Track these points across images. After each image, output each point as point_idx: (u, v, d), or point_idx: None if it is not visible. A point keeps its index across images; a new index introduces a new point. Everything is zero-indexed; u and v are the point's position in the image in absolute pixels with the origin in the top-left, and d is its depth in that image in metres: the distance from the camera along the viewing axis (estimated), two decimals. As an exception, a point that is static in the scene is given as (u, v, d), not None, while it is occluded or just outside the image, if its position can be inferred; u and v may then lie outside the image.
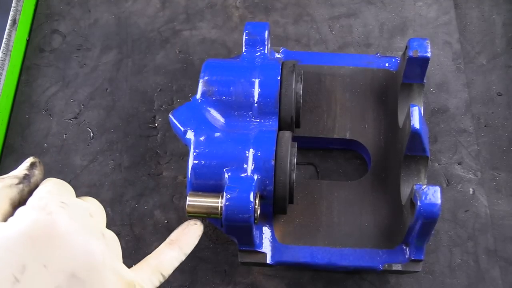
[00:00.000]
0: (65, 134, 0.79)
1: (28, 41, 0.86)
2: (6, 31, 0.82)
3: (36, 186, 0.48)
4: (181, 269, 0.70)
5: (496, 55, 0.83)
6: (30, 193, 0.47)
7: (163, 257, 0.52)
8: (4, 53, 0.81)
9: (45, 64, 0.84)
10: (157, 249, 0.53)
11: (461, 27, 0.85)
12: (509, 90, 0.80)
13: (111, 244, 0.46)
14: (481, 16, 0.85)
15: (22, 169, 0.49)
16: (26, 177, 0.48)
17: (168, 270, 0.52)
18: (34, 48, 0.85)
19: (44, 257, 0.42)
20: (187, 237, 0.56)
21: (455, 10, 0.85)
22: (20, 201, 0.47)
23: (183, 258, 0.54)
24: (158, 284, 0.50)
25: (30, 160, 0.50)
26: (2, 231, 0.42)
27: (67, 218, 0.44)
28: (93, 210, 0.48)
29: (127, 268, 0.47)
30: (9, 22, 0.83)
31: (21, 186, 0.47)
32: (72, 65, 0.84)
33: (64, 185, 0.48)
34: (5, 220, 0.44)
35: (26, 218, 0.43)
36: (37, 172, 0.49)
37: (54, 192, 0.46)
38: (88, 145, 0.78)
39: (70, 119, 0.80)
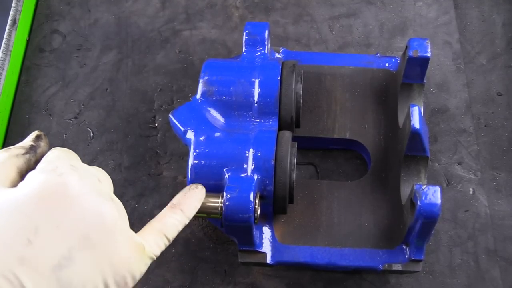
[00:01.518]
0: (65, 134, 0.79)
1: (28, 41, 0.86)
2: (6, 31, 0.82)
3: (42, 157, 0.48)
4: (181, 269, 0.70)
5: (496, 55, 0.83)
6: (36, 163, 0.48)
7: (167, 220, 0.52)
8: (4, 53, 0.80)
9: (45, 64, 0.84)
10: (160, 213, 0.53)
11: (461, 27, 0.85)
12: (509, 90, 0.80)
13: (120, 209, 0.46)
14: (481, 16, 0.85)
15: (28, 141, 0.50)
16: (32, 148, 0.49)
17: (173, 233, 0.51)
18: (34, 48, 0.85)
19: (56, 218, 0.42)
20: (189, 200, 0.55)
21: (455, 10, 0.85)
22: (27, 170, 0.47)
23: (187, 221, 0.53)
24: (163, 247, 0.50)
25: (35, 133, 0.51)
26: (13, 194, 0.42)
27: (78, 179, 0.44)
28: (101, 176, 0.48)
29: (134, 233, 0.47)
30: (9, 22, 0.83)
31: (27, 156, 0.48)
32: (72, 65, 0.84)
33: (70, 152, 0.49)
34: (14, 186, 0.44)
35: (37, 180, 0.43)
36: (43, 144, 0.50)
37: (62, 156, 0.47)
38: (88, 145, 0.78)
39: (70, 119, 0.80)
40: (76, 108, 0.81)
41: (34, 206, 0.42)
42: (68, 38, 0.86)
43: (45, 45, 0.85)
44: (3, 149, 0.48)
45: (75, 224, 0.42)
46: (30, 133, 0.78)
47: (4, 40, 0.81)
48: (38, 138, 0.50)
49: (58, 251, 0.41)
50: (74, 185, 0.43)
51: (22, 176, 0.46)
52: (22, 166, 0.47)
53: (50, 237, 0.41)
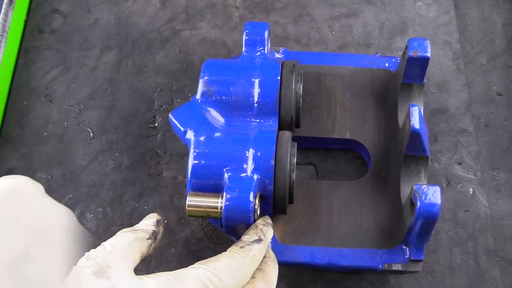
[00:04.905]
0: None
1: (26, 21, 0.84)
2: (3, 10, 0.78)
3: (158, 244, 0.53)
4: (181, 269, 0.70)
5: (496, 55, 0.82)
6: (153, 249, 0.52)
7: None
8: (0, 35, 0.78)
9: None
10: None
11: (461, 27, 0.85)
12: (509, 90, 0.80)
13: None
14: (481, 16, 0.85)
15: (149, 224, 0.54)
16: (154, 234, 0.53)
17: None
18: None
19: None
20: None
21: (455, 10, 0.85)
22: (146, 256, 0.51)
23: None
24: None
25: (155, 216, 0.55)
26: None
27: None
28: None
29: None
30: (5, 1, 0.79)
31: (149, 241, 0.52)
32: (72, 65, 0.83)
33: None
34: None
35: None
36: (161, 230, 0.54)
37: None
38: (88, 145, 0.78)
39: (70, 119, 0.80)
40: (76, 108, 0.81)
41: None
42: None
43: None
44: (128, 229, 0.51)
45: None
46: (29, 120, 0.78)
47: (0, 20, 0.78)
48: (158, 223, 0.54)
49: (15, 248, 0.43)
50: None
51: (141, 261, 0.50)
52: (144, 251, 0.50)
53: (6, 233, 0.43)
